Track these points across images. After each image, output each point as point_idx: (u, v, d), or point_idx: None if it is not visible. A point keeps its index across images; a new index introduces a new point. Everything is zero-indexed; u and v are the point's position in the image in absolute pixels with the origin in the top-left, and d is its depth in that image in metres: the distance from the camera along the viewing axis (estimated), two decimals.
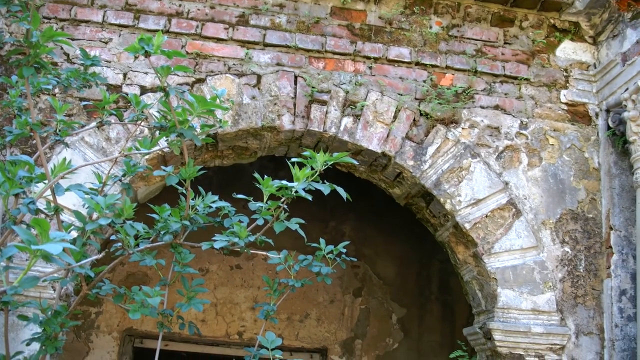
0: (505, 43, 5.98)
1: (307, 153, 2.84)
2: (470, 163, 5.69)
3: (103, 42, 5.47)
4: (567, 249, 5.71)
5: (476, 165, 5.71)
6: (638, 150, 5.50)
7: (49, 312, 3.01)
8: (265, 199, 2.93)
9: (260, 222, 2.96)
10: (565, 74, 6.01)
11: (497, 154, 5.77)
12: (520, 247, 5.62)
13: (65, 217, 4.77)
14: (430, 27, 5.91)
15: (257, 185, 2.94)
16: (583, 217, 5.80)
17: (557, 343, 5.52)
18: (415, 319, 8.08)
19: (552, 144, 5.88)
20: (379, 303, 8.01)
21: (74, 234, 3.56)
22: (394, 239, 8.17)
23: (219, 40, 5.60)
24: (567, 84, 6.00)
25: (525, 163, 5.81)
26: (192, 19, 5.62)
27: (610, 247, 5.72)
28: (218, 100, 3.06)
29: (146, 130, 5.04)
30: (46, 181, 2.86)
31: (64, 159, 3.06)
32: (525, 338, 5.44)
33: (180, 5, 5.62)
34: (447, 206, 5.61)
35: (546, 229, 5.71)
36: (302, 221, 3.01)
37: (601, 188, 5.88)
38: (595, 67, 6.06)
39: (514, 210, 5.66)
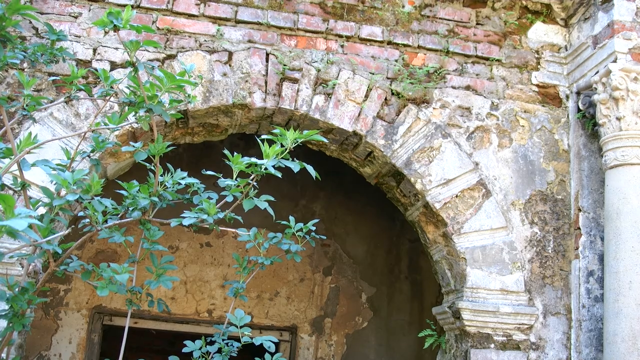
0: (477, 24, 5.98)
1: (277, 130, 2.83)
2: (441, 143, 5.70)
3: (73, 16, 5.40)
4: (536, 229, 5.75)
5: (447, 146, 5.72)
6: (607, 133, 5.54)
7: (16, 289, 2.98)
8: (234, 176, 2.92)
9: (229, 199, 2.95)
10: (536, 55, 6.02)
11: (467, 134, 5.79)
12: (490, 228, 5.64)
13: (34, 193, 4.72)
14: (403, 7, 5.89)
15: (227, 163, 2.92)
16: (552, 198, 5.83)
17: (525, 323, 5.57)
18: (385, 297, 8.11)
19: (523, 125, 5.90)
20: (348, 282, 8.03)
21: (42, 210, 3.52)
22: (364, 218, 8.19)
23: (190, 16, 5.55)
24: (539, 66, 6.02)
25: (496, 144, 5.83)
26: None
27: (579, 228, 5.77)
28: (187, 76, 3.03)
29: (116, 107, 4.99)
30: (13, 157, 2.83)
31: (30, 133, 3.03)
32: (494, 318, 5.48)
33: None
34: (418, 186, 5.62)
35: (515, 210, 5.74)
36: (272, 198, 3.00)
37: (570, 170, 5.91)
38: (567, 50, 6.08)
39: (483, 190, 5.69)
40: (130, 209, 3.00)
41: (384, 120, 5.66)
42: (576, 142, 5.91)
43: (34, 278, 4.76)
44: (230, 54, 5.52)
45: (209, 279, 7.68)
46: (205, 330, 7.39)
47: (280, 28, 5.64)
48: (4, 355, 3.09)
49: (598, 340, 5.61)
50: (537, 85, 5.99)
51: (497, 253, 5.62)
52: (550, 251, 5.76)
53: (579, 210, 5.79)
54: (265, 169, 2.81)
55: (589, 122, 5.81)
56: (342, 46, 5.73)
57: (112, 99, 3.57)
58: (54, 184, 2.92)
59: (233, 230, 3.39)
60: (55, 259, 3.03)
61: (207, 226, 2.93)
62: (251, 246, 3.46)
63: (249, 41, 5.58)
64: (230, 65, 5.50)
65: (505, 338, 5.55)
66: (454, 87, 5.83)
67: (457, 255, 5.59)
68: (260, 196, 2.95)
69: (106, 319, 7.62)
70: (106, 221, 2.99)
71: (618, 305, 5.33)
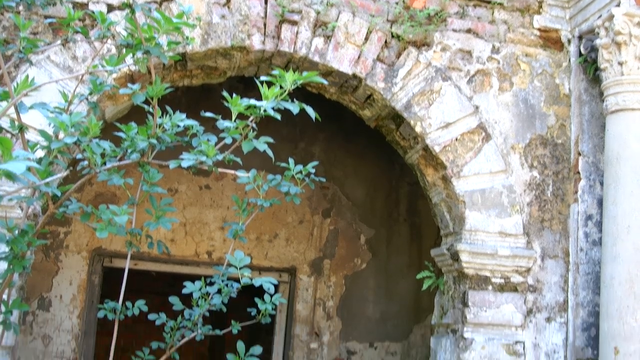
0: None
1: (276, 72, 2.80)
2: (441, 86, 5.68)
3: None
4: (535, 173, 5.75)
5: (447, 89, 5.69)
6: (609, 78, 5.51)
7: (16, 232, 2.98)
8: (233, 118, 2.90)
9: (228, 141, 2.93)
10: None
11: (468, 77, 5.75)
12: (489, 171, 5.65)
13: (31, 136, 4.70)
14: None
15: (226, 105, 2.90)
16: (552, 142, 5.83)
17: (523, 265, 5.60)
18: (384, 240, 8.15)
19: (524, 69, 5.87)
20: (347, 224, 8.06)
21: (40, 153, 3.51)
22: (364, 161, 8.18)
23: None
24: (541, 10, 5.95)
25: (496, 87, 5.80)
26: None
27: (578, 172, 5.77)
28: (185, 18, 3.00)
29: (113, 49, 4.95)
30: (10, 100, 2.81)
31: (27, 76, 3.00)
32: (492, 260, 5.51)
33: None
34: (417, 129, 5.61)
35: (515, 154, 5.74)
36: (271, 140, 2.99)
37: (571, 114, 5.89)
38: None
39: (483, 134, 5.67)
40: (129, 151, 2.98)
41: (384, 63, 5.62)
42: (577, 86, 5.88)
43: (34, 221, 4.77)
44: None
45: (208, 221, 7.70)
46: (205, 271, 7.43)
47: None
48: (5, 296, 3.11)
49: (595, 283, 5.66)
50: (539, 29, 5.93)
51: (496, 196, 5.63)
52: (549, 195, 5.77)
53: (579, 154, 5.79)
54: (264, 110, 2.79)
55: (591, 67, 5.77)
56: None
57: (109, 41, 3.55)
58: (52, 127, 2.90)
59: (232, 172, 3.38)
60: (54, 202, 3.03)
61: (206, 168, 2.91)
62: (250, 188, 3.45)
63: None
64: (228, 7, 5.44)
65: (503, 280, 5.59)
66: (454, 30, 5.78)
67: (456, 198, 5.60)
68: (259, 138, 2.94)
69: (106, 261, 7.66)
70: (104, 163, 2.98)
71: (616, 249, 5.35)
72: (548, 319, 5.69)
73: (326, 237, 7.96)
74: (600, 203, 5.71)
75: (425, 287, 6.11)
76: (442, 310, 5.97)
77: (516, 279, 5.62)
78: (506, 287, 5.60)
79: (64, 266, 7.33)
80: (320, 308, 7.85)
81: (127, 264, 3.73)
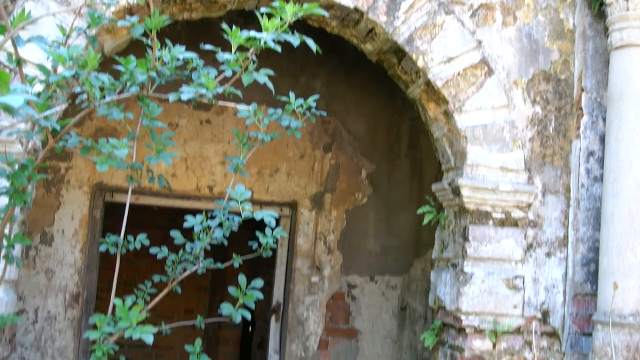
0: None
1: (276, 4, 2.77)
2: (443, 20, 5.61)
3: None
4: (537, 109, 5.73)
5: (450, 23, 5.62)
6: (614, 13, 5.44)
7: (16, 166, 2.98)
8: (233, 50, 2.87)
9: (228, 73, 2.91)
10: None
11: (471, 11, 5.69)
12: (491, 106, 5.62)
13: (29, 70, 4.66)
14: None
15: (226, 38, 2.87)
16: (555, 78, 5.78)
17: (524, 201, 5.61)
18: (385, 174, 8.15)
19: (528, 4, 5.79)
20: (348, 158, 8.05)
21: (39, 87, 3.49)
22: (365, 95, 8.13)
23: None
24: None
25: (500, 22, 5.73)
26: None
27: (581, 108, 5.74)
28: None
29: None
30: (7, 33, 2.77)
31: (23, 9, 2.96)
32: (493, 195, 5.52)
33: None
34: (419, 63, 5.56)
35: (518, 89, 5.70)
36: (272, 73, 2.96)
37: (575, 50, 5.84)
38: None
39: (486, 68, 5.63)
40: (128, 84, 2.96)
41: None
42: (582, 21, 5.82)
43: (34, 155, 4.76)
44: None
45: (209, 155, 7.69)
46: (206, 205, 7.44)
47: None
48: (6, 231, 3.11)
49: (595, 219, 5.67)
50: None
51: (497, 131, 5.61)
52: (551, 130, 5.75)
53: (582, 90, 5.75)
54: (264, 42, 2.76)
55: (596, 2, 5.70)
56: None
57: None
58: (50, 61, 2.87)
59: (233, 104, 3.36)
60: (53, 136, 3.01)
61: (206, 101, 2.89)
62: (251, 122, 3.44)
63: None
64: None
65: (503, 215, 5.60)
66: None
67: (457, 133, 5.58)
68: (259, 71, 2.91)
69: (107, 196, 7.67)
70: (104, 97, 2.96)
71: (617, 185, 5.36)
72: (548, 254, 5.72)
73: (327, 172, 7.96)
74: (602, 139, 5.69)
75: (426, 221, 6.13)
76: (442, 244, 6.00)
77: (517, 214, 5.63)
78: (507, 222, 5.62)
79: (65, 201, 7.34)
80: (321, 242, 7.89)
81: (128, 199, 3.74)
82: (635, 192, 5.30)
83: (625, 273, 5.28)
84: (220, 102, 3.06)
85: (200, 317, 4.06)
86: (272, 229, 3.78)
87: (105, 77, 2.90)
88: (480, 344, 5.52)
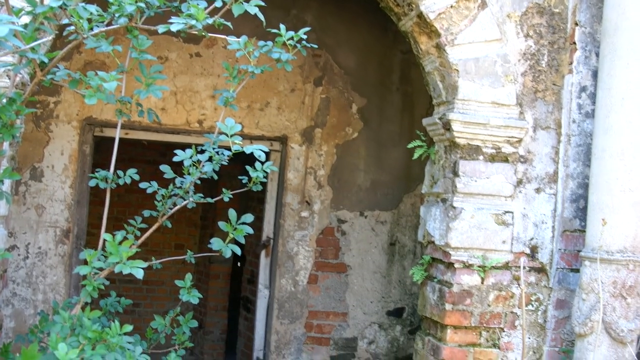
0: None
1: None
2: None
3: None
4: (530, 43, 5.68)
5: None
6: None
7: (4, 100, 2.94)
8: None
9: (218, 4, 2.87)
10: None
11: None
12: (484, 40, 5.56)
13: (16, 2, 4.58)
14: None
15: None
16: (549, 11, 5.72)
17: (515, 136, 5.59)
18: (375, 109, 8.11)
19: None
20: (339, 92, 7.99)
21: (26, 19, 3.43)
22: (356, 28, 8.05)
23: None
24: None
25: None
26: None
27: (574, 43, 5.69)
28: None
29: None
30: None
31: None
32: (484, 130, 5.50)
33: None
34: None
35: (511, 22, 5.64)
36: (262, 4, 2.92)
37: None
38: None
39: (479, 1, 5.56)
40: (117, 15, 2.91)
41: None
42: None
43: (22, 89, 4.71)
44: None
45: (199, 89, 7.63)
46: (196, 140, 7.41)
47: None
48: None
49: (586, 155, 5.67)
50: None
51: (490, 65, 5.56)
52: (544, 65, 5.71)
53: (576, 24, 5.69)
54: None
55: None
56: None
57: None
58: None
59: (223, 36, 3.32)
60: (41, 69, 2.97)
61: (196, 32, 2.85)
62: (241, 55, 3.40)
63: None
64: None
65: (494, 150, 5.59)
66: None
67: (449, 67, 5.53)
68: (249, 1, 2.87)
69: (97, 131, 7.63)
70: (92, 29, 2.92)
71: (609, 121, 5.34)
72: (537, 190, 5.73)
73: (318, 106, 7.92)
74: (595, 75, 5.66)
75: (416, 156, 6.12)
76: (432, 179, 5.99)
77: (507, 149, 5.62)
78: (497, 157, 5.61)
79: (54, 136, 7.30)
80: (311, 177, 7.89)
81: (118, 133, 3.71)
82: (626, 128, 5.29)
83: (614, 209, 5.29)
84: (210, 34, 3.02)
85: (190, 252, 4.07)
86: (262, 163, 3.78)
87: (93, 8, 2.85)
88: (469, 279, 5.56)
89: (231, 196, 3.92)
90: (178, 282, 3.97)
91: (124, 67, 3.36)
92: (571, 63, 5.70)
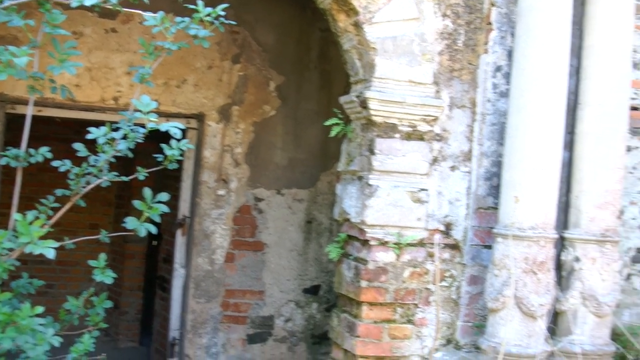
0: None
1: None
2: None
3: None
4: (447, 22, 5.73)
5: None
6: None
7: None
8: None
9: None
10: None
11: None
12: (402, 18, 5.59)
13: None
14: None
15: None
16: None
17: (431, 114, 5.65)
18: (294, 86, 8.09)
19: None
20: (257, 70, 7.95)
21: None
22: (275, 6, 8.01)
23: None
24: None
25: None
26: None
27: (490, 23, 5.77)
28: None
29: None
30: None
31: None
32: (400, 108, 5.54)
33: None
34: None
35: (429, 1, 5.68)
36: None
37: None
38: None
39: None
40: None
41: None
42: None
43: None
44: None
45: (114, 66, 7.50)
46: (112, 117, 7.27)
47: None
48: None
49: (500, 134, 5.77)
50: None
51: (407, 44, 5.60)
52: (460, 45, 5.78)
53: (492, 5, 5.77)
54: None
55: None
56: None
57: None
58: None
59: (139, 12, 3.26)
60: None
61: (111, 7, 2.80)
62: (158, 31, 3.35)
63: None
64: None
65: (410, 128, 5.64)
66: None
67: (367, 45, 5.55)
68: None
69: (8, 108, 7.43)
70: (2, 1, 2.83)
71: (523, 101, 5.44)
72: (452, 168, 5.81)
73: (235, 83, 7.86)
74: (510, 55, 5.75)
75: (333, 134, 6.13)
76: (349, 157, 6.02)
77: (423, 127, 5.68)
78: (413, 135, 5.66)
79: None
80: (228, 155, 7.84)
81: (30, 110, 3.63)
82: (540, 107, 5.39)
83: (526, 187, 5.40)
84: (126, 9, 2.96)
85: (105, 232, 4.01)
86: (178, 141, 3.74)
87: None
88: (384, 256, 5.61)
89: (147, 174, 3.87)
90: (92, 262, 3.91)
91: (36, 42, 3.28)
92: (487, 43, 5.78)
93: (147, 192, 3.58)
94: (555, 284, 5.55)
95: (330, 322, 6.19)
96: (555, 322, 5.71)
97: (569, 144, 5.77)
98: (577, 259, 5.64)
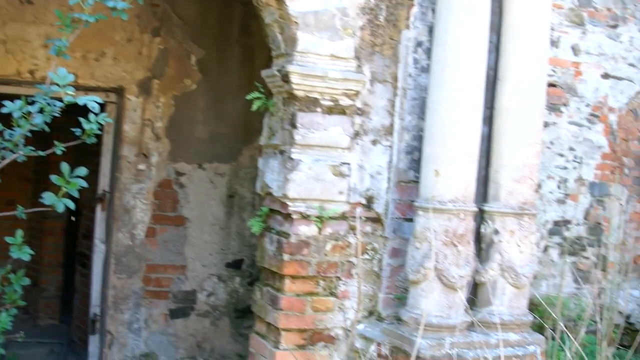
0: None
1: None
2: None
3: None
4: None
5: None
6: None
7: None
8: None
9: None
10: None
11: None
12: None
13: None
14: None
15: None
16: None
17: (352, 89, 5.67)
18: (215, 60, 8.02)
19: None
20: (178, 43, 7.85)
21: None
22: None
23: None
24: None
25: None
26: None
27: None
28: None
29: None
30: None
31: None
32: (322, 82, 5.54)
33: None
34: None
35: None
36: None
37: None
38: None
39: None
40: None
41: None
42: None
43: None
44: None
45: (30, 38, 7.32)
46: (28, 91, 7.01)
47: None
48: None
49: (421, 108, 5.83)
50: None
51: (329, 19, 5.60)
52: (382, 20, 5.80)
53: None
54: None
55: None
56: None
57: None
58: None
59: None
60: None
61: None
62: (75, 2, 3.29)
63: None
64: None
65: (332, 103, 5.65)
66: None
67: (289, 19, 5.52)
68: None
69: None
70: None
71: (443, 76, 5.50)
72: (374, 142, 5.85)
73: (155, 57, 7.75)
74: (431, 30, 5.80)
75: (255, 108, 6.10)
76: (270, 131, 6.01)
77: (345, 101, 5.69)
78: (335, 109, 5.67)
79: None
80: (148, 129, 7.74)
81: None
82: (460, 83, 5.46)
83: (446, 161, 5.47)
84: None
85: (22, 208, 3.93)
86: (96, 115, 3.69)
87: None
88: (306, 230, 5.63)
89: (64, 149, 3.80)
90: (8, 239, 3.84)
91: None
92: (408, 19, 5.82)
93: (64, 166, 3.52)
94: (475, 256, 5.65)
95: (253, 295, 6.20)
96: (475, 294, 5.82)
97: (489, 119, 5.85)
98: (496, 232, 5.74)
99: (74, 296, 9.71)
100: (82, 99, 3.46)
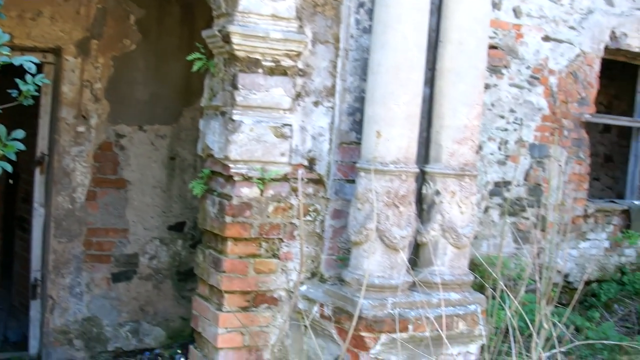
0: None
1: None
2: None
3: None
4: None
5: None
6: None
7: None
8: None
9: None
10: None
11: None
12: None
13: None
14: None
15: None
16: None
17: (294, 49, 5.64)
18: (155, 20, 7.89)
19: None
20: (116, 3, 7.70)
21: None
22: None
23: None
24: None
25: None
26: None
27: None
28: None
29: None
30: None
31: None
32: (263, 43, 5.50)
33: None
34: None
35: None
36: None
37: None
38: None
39: None
40: None
41: None
42: None
43: None
44: None
45: None
46: None
47: None
48: None
49: (363, 69, 5.82)
50: None
51: None
52: None
53: None
54: None
55: None
56: None
57: None
58: None
59: None
60: None
61: None
62: None
63: None
64: None
65: (273, 64, 5.62)
66: None
67: None
68: None
69: None
70: None
71: (385, 37, 5.49)
72: (316, 103, 5.83)
73: (94, 16, 7.59)
74: None
75: (195, 68, 6.05)
76: (211, 92, 5.96)
77: (286, 62, 5.66)
78: (276, 70, 5.64)
79: None
80: (87, 90, 7.61)
81: None
82: (402, 44, 5.46)
83: (388, 122, 5.48)
84: None
85: None
86: (33, 76, 3.62)
87: None
88: (248, 192, 5.62)
89: (0, 111, 3.73)
90: None
91: None
92: None
93: (1, 129, 3.45)
94: (416, 217, 5.69)
95: (196, 258, 6.18)
96: (417, 254, 5.87)
97: (430, 80, 5.87)
98: (437, 193, 5.78)
99: (14, 261, 9.57)
100: (18, 60, 3.38)
